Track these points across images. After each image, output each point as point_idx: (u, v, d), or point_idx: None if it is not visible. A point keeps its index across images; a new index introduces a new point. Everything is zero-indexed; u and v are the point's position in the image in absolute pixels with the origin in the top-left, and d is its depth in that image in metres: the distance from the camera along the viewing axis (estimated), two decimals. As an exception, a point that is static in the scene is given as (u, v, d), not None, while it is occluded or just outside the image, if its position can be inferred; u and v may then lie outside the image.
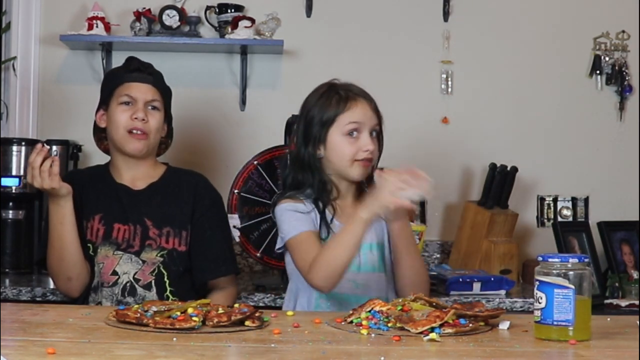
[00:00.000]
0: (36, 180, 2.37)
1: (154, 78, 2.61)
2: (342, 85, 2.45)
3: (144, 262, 2.50)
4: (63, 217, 2.43)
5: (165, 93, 2.65)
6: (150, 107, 2.57)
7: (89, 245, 2.51)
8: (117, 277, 2.49)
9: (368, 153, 2.36)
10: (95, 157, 3.53)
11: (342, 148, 2.37)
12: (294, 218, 2.34)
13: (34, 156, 2.37)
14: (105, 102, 2.60)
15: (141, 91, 2.56)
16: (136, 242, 2.52)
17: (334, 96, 2.41)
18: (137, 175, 2.60)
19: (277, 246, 2.42)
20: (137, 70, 2.59)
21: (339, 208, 2.41)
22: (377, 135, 2.42)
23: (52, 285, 2.95)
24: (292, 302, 2.41)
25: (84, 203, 2.53)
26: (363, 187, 2.44)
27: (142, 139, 2.54)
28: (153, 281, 2.49)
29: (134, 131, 2.53)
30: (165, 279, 2.50)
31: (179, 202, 2.58)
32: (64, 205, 2.42)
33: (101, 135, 2.66)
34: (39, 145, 2.40)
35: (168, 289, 2.50)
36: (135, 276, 2.49)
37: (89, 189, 2.53)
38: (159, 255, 2.51)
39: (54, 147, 3.26)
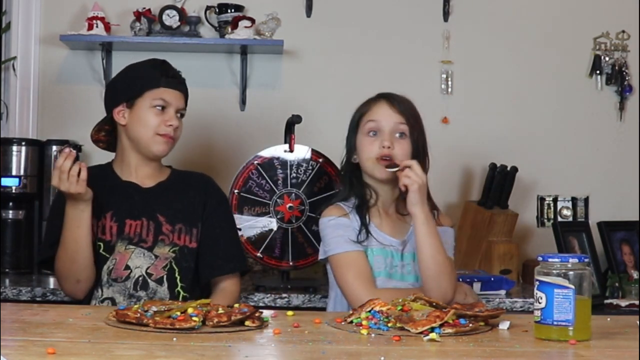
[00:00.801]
0: (63, 185, 2.35)
1: (184, 86, 2.64)
2: (380, 93, 2.51)
3: (156, 257, 2.51)
4: (81, 220, 2.42)
5: (187, 100, 2.67)
6: (179, 115, 2.59)
7: (99, 243, 2.51)
8: (130, 271, 2.49)
9: (387, 151, 2.39)
10: (96, 157, 3.53)
11: (363, 148, 2.43)
12: (337, 233, 2.39)
13: (62, 160, 2.35)
14: (129, 100, 2.56)
15: (175, 98, 2.57)
16: (149, 237, 2.53)
17: (363, 103, 2.50)
18: (146, 174, 2.61)
19: (320, 257, 2.49)
20: (174, 76, 2.60)
21: (381, 214, 2.45)
22: (406, 136, 2.43)
23: (52, 285, 2.95)
24: (336, 308, 2.46)
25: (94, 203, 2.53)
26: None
27: (170, 142, 2.57)
28: (165, 276, 2.50)
29: (162, 134, 2.54)
30: (177, 274, 2.51)
31: (190, 200, 2.60)
32: (83, 209, 2.42)
33: (105, 128, 2.63)
34: (67, 150, 2.38)
35: (179, 284, 2.51)
36: (148, 270, 2.50)
37: (96, 188, 2.50)
38: (171, 251, 2.52)
39: (54, 147, 3.26)
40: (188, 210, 2.57)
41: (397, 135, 2.42)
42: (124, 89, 2.59)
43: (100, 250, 2.50)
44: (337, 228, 2.40)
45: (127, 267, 2.49)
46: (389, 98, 2.47)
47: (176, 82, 2.60)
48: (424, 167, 2.43)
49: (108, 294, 2.48)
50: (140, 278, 2.49)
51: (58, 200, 2.53)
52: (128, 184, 2.59)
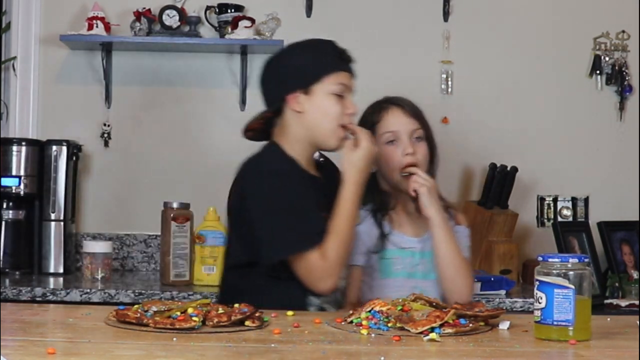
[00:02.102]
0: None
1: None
2: (385, 98, 2.48)
3: None
4: None
5: None
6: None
7: None
8: None
9: (410, 158, 2.38)
10: (96, 157, 3.54)
11: (385, 159, 2.40)
12: None
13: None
14: (306, 86, 2.31)
15: (352, 82, 2.38)
16: None
17: (371, 109, 2.46)
18: (311, 166, 2.41)
19: None
20: (349, 58, 2.38)
21: (396, 218, 2.44)
22: (422, 139, 2.43)
23: (52, 285, 2.95)
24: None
25: None
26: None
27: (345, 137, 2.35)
28: None
29: (343, 125, 2.32)
30: None
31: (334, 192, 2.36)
32: None
33: (266, 115, 2.39)
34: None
35: None
36: None
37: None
38: None
39: (54, 147, 3.26)
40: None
41: (414, 139, 2.41)
42: (298, 74, 2.33)
43: None
44: None
45: None
46: (400, 104, 2.45)
47: (351, 63, 2.38)
48: (437, 165, 2.45)
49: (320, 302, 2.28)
50: None
51: (300, 184, 2.29)
52: (311, 176, 2.38)
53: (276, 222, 2.23)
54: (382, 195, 2.44)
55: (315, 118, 2.32)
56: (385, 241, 2.40)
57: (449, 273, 2.33)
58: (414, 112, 2.44)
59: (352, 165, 2.28)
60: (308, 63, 2.34)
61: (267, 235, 2.23)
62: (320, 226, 2.23)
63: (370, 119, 2.44)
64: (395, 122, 2.42)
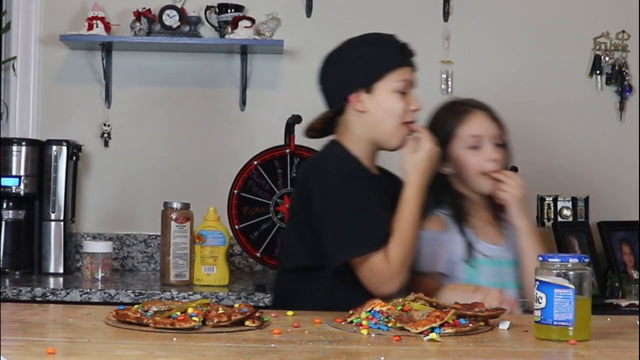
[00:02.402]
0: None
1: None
2: (460, 100, 2.45)
3: None
4: None
5: None
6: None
7: None
8: None
9: (494, 164, 2.36)
10: (96, 157, 3.54)
11: (466, 162, 2.37)
12: (432, 250, 2.33)
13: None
14: (368, 84, 2.27)
15: (414, 77, 2.32)
16: None
17: (450, 111, 2.42)
18: (374, 166, 2.37)
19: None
20: (410, 52, 2.32)
21: (478, 225, 2.41)
22: (502, 145, 2.40)
23: (52, 285, 2.95)
24: None
25: None
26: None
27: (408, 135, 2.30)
28: None
29: (407, 122, 2.28)
30: None
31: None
32: None
33: (328, 116, 2.35)
34: None
35: None
36: None
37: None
38: None
39: (54, 147, 3.26)
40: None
41: (495, 144, 2.38)
42: (360, 72, 2.28)
43: None
44: (434, 245, 2.33)
45: None
46: (484, 108, 2.42)
47: (413, 57, 2.32)
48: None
49: None
50: None
51: (364, 184, 2.24)
52: (375, 176, 2.34)
53: (340, 223, 2.18)
54: (458, 199, 2.40)
55: (378, 117, 2.27)
56: (473, 250, 2.35)
57: None
58: (497, 117, 2.41)
59: (413, 167, 2.23)
60: (369, 60, 2.28)
61: (332, 236, 2.19)
62: (384, 228, 2.18)
63: (449, 121, 2.39)
64: (480, 126, 2.38)
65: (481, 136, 2.38)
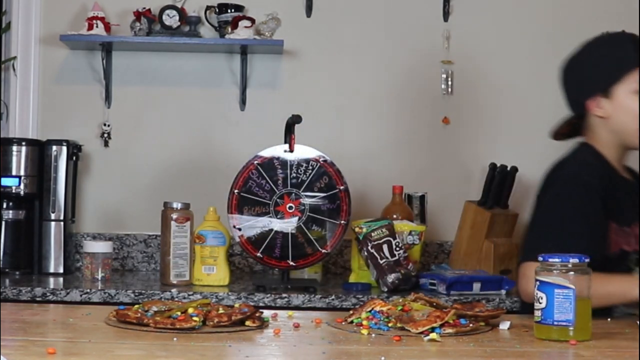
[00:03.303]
0: None
1: None
2: None
3: None
4: None
5: None
6: None
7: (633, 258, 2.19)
8: None
9: None
10: (96, 157, 3.54)
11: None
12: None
13: None
14: (603, 89, 2.21)
15: None
16: None
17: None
18: (624, 168, 2.30)
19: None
20: None
21: None
22: None
23: (52, 285, 2.95)
24: None
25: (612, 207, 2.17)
26: None
27: None
28: None
29: None
30: None
31: None
32: None
33: (572, 121, 2.32)
34: None
35: None
36: None
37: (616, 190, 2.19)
38: None
39: (54, 147, 3.26)
40: None
41: None
42: (595, 76, 2.24)
43: (632, 264, 2.18)
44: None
45: None
46: None
47: None
48: None
49: None
50: None
51: (595, 200, 2.16)
52: (626, 180, 2.25)
53: (541, 227, 2.19)
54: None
55: (622, 122, 2.21)
56: None
57: None
58: None
59: None
60: (605, 63, 2.23)
61: (528, 234, 2.22)
62: (580, 246, 1.96)
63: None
64: None
65: None
